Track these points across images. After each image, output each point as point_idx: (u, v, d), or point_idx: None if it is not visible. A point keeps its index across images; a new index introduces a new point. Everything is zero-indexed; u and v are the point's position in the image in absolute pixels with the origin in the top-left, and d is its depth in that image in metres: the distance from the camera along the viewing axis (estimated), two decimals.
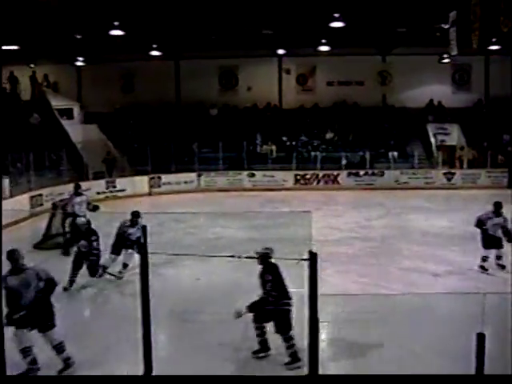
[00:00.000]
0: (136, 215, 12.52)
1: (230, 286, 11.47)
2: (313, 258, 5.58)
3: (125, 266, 12.56)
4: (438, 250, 14.85)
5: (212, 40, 27.70)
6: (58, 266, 11.75)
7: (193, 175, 27.50)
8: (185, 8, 20.90)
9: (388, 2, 21.23)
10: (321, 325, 8.94)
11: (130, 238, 12.38)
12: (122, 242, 12.48)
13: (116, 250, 12.55)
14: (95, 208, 15.92)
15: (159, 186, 26.81)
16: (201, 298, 10.91)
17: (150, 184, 26.61)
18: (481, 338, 4.85)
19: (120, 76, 32.69)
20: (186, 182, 27.25)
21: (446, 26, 21.07)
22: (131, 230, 12.31)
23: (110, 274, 12.34)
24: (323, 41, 28.97)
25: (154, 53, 29.83)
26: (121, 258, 12.64)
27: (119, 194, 25.28)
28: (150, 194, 26.39)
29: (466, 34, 18.58)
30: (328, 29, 24.56)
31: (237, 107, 32.55)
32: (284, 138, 30.36)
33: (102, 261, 12.26)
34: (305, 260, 5.80)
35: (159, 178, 26.83)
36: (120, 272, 12.47)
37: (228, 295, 10.80)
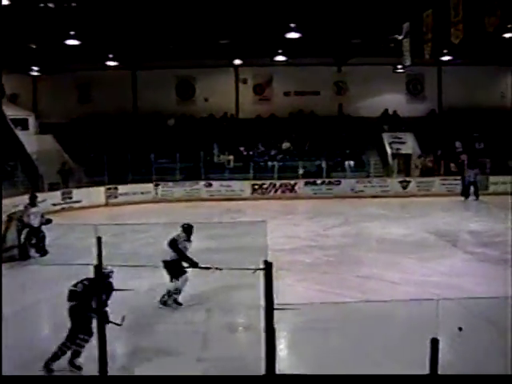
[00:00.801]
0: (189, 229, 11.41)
1: (187, 295, 11.39)
2: (268, 268, 5.58)
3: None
4: (395, 257, 15.00)
5: (169, 50, 27.67)
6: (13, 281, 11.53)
7: (150, 186, 27.33)
8: (142, 18, 20.84)
9: (343, 14, 21.48)
10: (280, 333, 9.01)
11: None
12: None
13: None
14: (48, 221, 15.81)
15: (116, 197, 26.56)
16: (158, 309, 10.80)
17: (106, 195, 26.35)
18: (434, 343, 4.92)
19: (76, 86, 32.41)
20: (142, 193, 27.06)
21: (400, 37, 21.40)
22: (187, 244, 11.18)
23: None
24: (279, 51, 29.20)
25: (111, 63, 29.65)
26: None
27: (75, 205, 24.96)
28: (106, 204, 26.12)
29: (419, 44, 18.93)
30: (284, 39, 24.77)
31: (194, 117, 32.54)
32: (241, 148, 30.42)
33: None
34: (260, 269, 5.81)
35: (116, 188, 26.59)
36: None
37: (186, 305, 10.76)
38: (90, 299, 7.77)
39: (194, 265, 10.39)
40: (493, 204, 25.01)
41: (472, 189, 27.04)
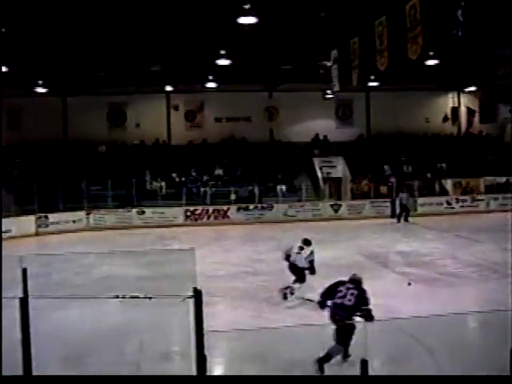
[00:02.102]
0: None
1: (119, 326, 11.19)
2: (197, 295, 5.57)
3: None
4: (328, 280, 15.10)
5: (100, 76, 27.42)
6: None
7: (82, 214, 26.85)
8: (72, 44, 20.65)
9: (273, 40, 21.82)
10: (216, 360, 8.95)
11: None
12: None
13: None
14: None
15: (47, 226, 25.94)
16: (89, 341, 10.55)
17: (37, 224, 25.71)
18: (364, 364, 4.99)
19: (5, 113, 31.59)
20: (74, 221, 26.54)
21: (329, 64, 21.91)
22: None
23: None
24: (210, 77, 29.38)
25: (40, 89, 29.17)
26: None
27: (4, 235, 24.14)
28: (37, 234, 25.48)
29: (347, 71, 19.39)
30: (215, 66, 24.95)
31: (125, 144, 32.29)
32: (173, 175, 30.33)
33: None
34: (190, 297, 5.78)
35: (46, 217, 25.98)
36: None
37: (118, 335, 10.56)
38: None
39: None
40: (421, 225, 25.69)
41: (398, 211, 27.75)
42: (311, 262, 13.02)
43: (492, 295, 13.13)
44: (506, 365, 6.28)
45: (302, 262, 13.04)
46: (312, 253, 13.18)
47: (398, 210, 27.72)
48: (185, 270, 15.04)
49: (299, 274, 13.06)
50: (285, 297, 12.98)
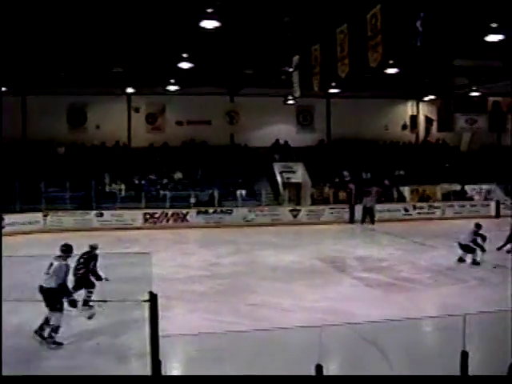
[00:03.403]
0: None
1: (75, 329, 11.07)
2: (153, 299, 5.57)
3: None
4: (286, 284, 15.25)
5: (61, 77, 27.10)
6: None
7: (39, 215, 26.43)
8: (32, 43, 20.39)
9: (235, 44, 21.88)
10: (171, 364, 8.91)
11: None
12: None
13: None
14: None
15: (3, 227, 25.44)
16: (44, 344, 10.40)
17: None
18: (319, 369, 5.06)
19: None
20: (31, 223, 26.09)
21: (290, 70, 22.04)
22: None
23: None
24: (172, 80, 29.29)
25: None
26: None
27: None
28: None
29: (308, 77, 19.55)
30: (177, 69, 24.89)
31: (85, 145, 31.94)
32: (133, 177, 30.07)
33: None
34: (145, 301, 5.77)
35: (2, 218, 25.49)
36: None
37: (73, 339, 10.45)
38: None
39: None
40: (379, 231, 26.03)
41: (359, 216, 28.13)
42: None
43: (446, 300, 13.40)
44: (457, 368, 6.45)
45: None
46: None
47: (361, 214, 28.38)
48: (142, 273, 15.01)
49: None
50: None
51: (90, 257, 12.56)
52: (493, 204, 31.58)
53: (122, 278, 14.26)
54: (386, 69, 24.78)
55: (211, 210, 28.31)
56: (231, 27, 18.92)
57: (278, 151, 33.22)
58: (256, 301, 13.55)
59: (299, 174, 31.56)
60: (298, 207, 29.71)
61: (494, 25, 18.94)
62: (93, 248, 12.71)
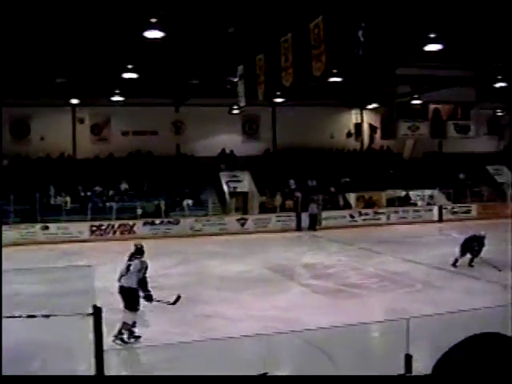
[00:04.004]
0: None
1: (20, 345, 10.82)
2: (97, 313, 5.49)
3: None
4: (235, 293, 15.25)
5: (2, 87, 26.50)
6: None
7: None
8: None
9: (180, 55, 21.85)
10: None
11: None
12: None
13: None
14: None
15: None
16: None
17: None
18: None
19: None
20: None
21: (235, 79, 22.13)
22: None
23: None
24: (117, 91, 29.03)
25: None
26: None
27: None
28: None
29: (253, 86, 19.67)
30: (121, 79, 24.69)
31: (29, 157, 31.33)
32: (79, 189, 29.62)
33: None
34: (89, 315, 5.69)
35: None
36: None
37: (19, 355, 10.21)
38: None
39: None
40: (325, 238, 26.29)
41: (306, 223, 28.49)
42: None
43: (392, 304, 13.60)
44: (401, 371, 6.56)
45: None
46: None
47: (308, 222, 28.83)
48: (87, 286, 14.78)
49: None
50: None
51: None
52: (435, 209, 32.30)
53: (67, 292, 14.04)
54: (329, 78, 25.10)
55: (158, 221, 28.11)
56: (176, 37, 18.91)
57: (224, 161, 33.24)
58: (205, 311, 13.51)
59: (245, 183, 31.62)
60: (245, 216, 29.77)
61: (432, 35, 19.45)
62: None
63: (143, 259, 11.50)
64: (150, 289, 11.50)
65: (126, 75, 24.22)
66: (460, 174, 35.22)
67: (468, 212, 32.91)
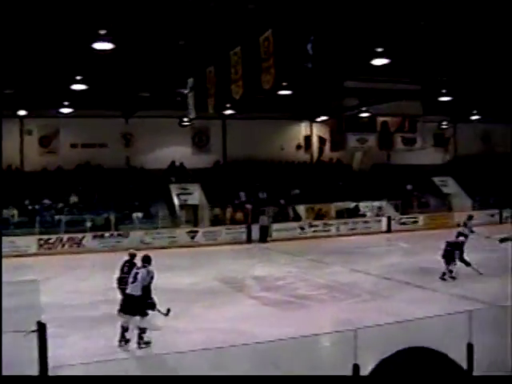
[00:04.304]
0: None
1: None
2: (41, 329, 5.39)
3: None
4: (185, 306, 15.16)
5: None
6: None
7: None
8: None
9: (129, 67, 21.75)
10: None
11: None
12: None
13: None
14: None
15: None
16: None
17: None
18: None
19: None
20: None
21: (185, 91, 22.14)
22: None
23: None
24: (66, 103, 28.67)
25: None
26: None
27: None
28: None
29: (203, 99, 19.72)
30: (70, 91, 24.43)
31: None
32: (26, 202, 29.06)
33: None
34: (33, 331, 5.59)
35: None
36: None
37: None
38: None
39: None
40: (275, 250, 26.41)
41: (256, 236, 28.63)
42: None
43: (340, 315, 13.74)
44: None
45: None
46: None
47: (258, 234, 29.02)
48: (32, 301, 14.50)
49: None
50: None
51: None
52: (384, 220, 32.79)
53: (11, 308, 13.72)
54: (279, 90, 25.31)
55: (107, 234, 27.80)
56: (125, 49, 18.80)
57: (174, 173, 33.09)
58: (155, 324, 13.39)
59: (196, 196, 31.54)
60: (195, 228, 29.69)
61: (379, 49, 19.84)
62: None
63: (150, 268, 12.18)
64: (153, 296, 12.04)
65: (75, 86, 23.96)
66: (407, 186, 35.88)
67: (415, 222, 33.55)
